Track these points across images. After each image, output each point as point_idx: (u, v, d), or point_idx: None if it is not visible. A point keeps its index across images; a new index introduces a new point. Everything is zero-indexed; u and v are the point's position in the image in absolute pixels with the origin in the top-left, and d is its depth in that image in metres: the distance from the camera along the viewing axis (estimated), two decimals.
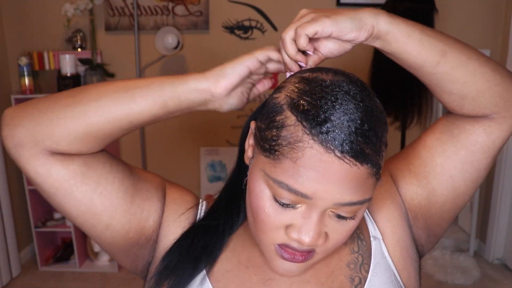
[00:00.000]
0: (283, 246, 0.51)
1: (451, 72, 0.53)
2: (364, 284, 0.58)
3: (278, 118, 0.48)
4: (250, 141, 0.55)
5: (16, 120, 0.52)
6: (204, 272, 0.58)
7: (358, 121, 0.45)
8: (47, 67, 2.63)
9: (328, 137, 0.44)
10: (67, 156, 0.53)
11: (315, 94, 0.47)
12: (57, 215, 2.73)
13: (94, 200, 0.55)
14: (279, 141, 0.47)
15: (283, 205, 0.48)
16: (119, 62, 2.71)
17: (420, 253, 0.66)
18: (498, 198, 2.67)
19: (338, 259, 0.59)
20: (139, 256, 0.61)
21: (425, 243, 0.66)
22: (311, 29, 0.51)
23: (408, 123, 2.22)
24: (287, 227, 0.49)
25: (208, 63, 2.85)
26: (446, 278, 2.55)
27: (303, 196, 0.46)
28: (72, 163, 0.53)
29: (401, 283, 0.60)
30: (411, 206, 0.63)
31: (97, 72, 2.55)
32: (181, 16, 2.64)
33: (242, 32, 2.68)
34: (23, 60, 2.46)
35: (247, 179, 0.54)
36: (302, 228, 0.48)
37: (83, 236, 2.73)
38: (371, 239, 0.61)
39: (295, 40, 0.54)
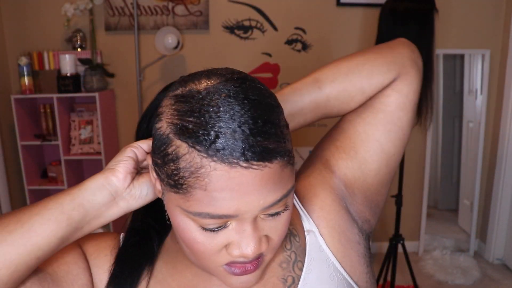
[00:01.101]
0: (231, 264, 0.48)
1: (340, 93, 0.62)
2: (297, 284, 0.55)
3: (169, 150, 0.44)
4: (153, 175, 0.50)
5: None
6: None
7: (250, 121, 0.42)
8: (47, 67, 2.63)
9: (226, 152, 0.41)
10: None
11: (196, 111, 0.43)
12: None
13: None
14: (181, 174, 0.43)
15: (213, 230, 0.46)
16: (119, 62, 2.70)
17: (366, 231, 0.64)
18: (498, 198, 2.67)
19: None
20: None
21: (370, 216, 0.64)
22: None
23: None
24: (226, 246, 0.47)
25: (208, 63, 2.86)
26: (446, 278, 2.55)
27: (228, 217, 0.44)
28: None
29: (344, 274, 0.57)
30: (346, 181, 0.62)
31: (97, 72, 2.55)
32: (181, 16, 2.64)
33: (242, 32, 2.68)
34: (23, 60, 2.46)
35: (167, 214, 0.50)
36: (240, 243, 0.46)
37: None
38: (305, 233, 0.59)
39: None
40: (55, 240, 0.47)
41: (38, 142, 2.56)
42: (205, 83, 0.45)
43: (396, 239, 2.32)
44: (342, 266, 0.57)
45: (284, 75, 2.73)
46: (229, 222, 0.46)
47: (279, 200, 0.45)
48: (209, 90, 0.44)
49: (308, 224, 0.59)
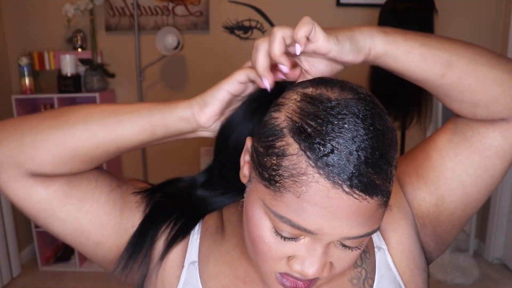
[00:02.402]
0: (284, 275, 0.47)
1: (459, 82, 0.50)
2: None
3: (278, 144, 0.43)
4: (245, 158, 0.51)
5: None
6: (200, 286, 0.56)
7: (369, 150, 0.40)
8: (47, 67, 2.64)
9: (335, 170, 0.39)
10: (49, 177, 0.51)
11: (320, 118, 0.41)
12: None
13: (80, 219, 0.53)
14: (280, 171, 0.42)
15: (285, 238, 0.44)
16: (119, 62, 2.71)
17: (428, 260, 0.62)
18: (498, 198, 2.67)
19: (340, 275, 0.54)
20: (133, 271, 0.57)
21: (433, 250, 0.61)
22: (318, 30, 0.46)
23: (408, 123, 2.22)
24: (289, 258, 0.46)
25: (208, 63, 2.86)
26: (446, 277, 2.55)
27: (307, 232, 0.42)
28: (54, 184, 0.51)
29: None
30: (419, 212, 0.58)
31: (97, 72, 2.56)
32: (181, 16, 2.64)
33: (242, 32, 2.68)
34: (24, 60, 2.46)
35: (243, 201, 0.50)
36: (305, 260, 0.44)
37: None
38: (375, 249, 0.57)
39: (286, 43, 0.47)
40: (135, 140, 0.52)
41: None
42: (337, 94, 0.43)
43: None
44: None
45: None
46: (303, 237, 0.44)
47: (361, 237, 0.43)
48: (340, 102, 0.42)
49: (378, 240, 0.58)
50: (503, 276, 2.59)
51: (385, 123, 0.43)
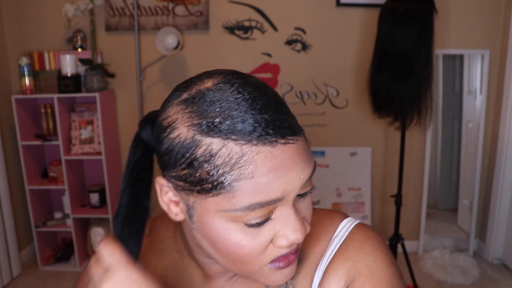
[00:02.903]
0: (274, 260, 0.47)
1: None
2: None
3: (199, 152, 0.42)
4: (165, 198, 0.48)
5: None
6: None
7: (269, 105, 0.43)
8: (47, 67, 2.64)
9: (262, 132, 0.41)
10: None
11: (216, 105, 0.43)
12: (57, 215, 2.73)
13: None
14: (220, 171, 0.41)
15: (259, 224, 0.44)
16: (119, 62, 2.71)
17: None
18: (498, 198, 2.67)
19: None
20: None
21: None
22: None
23: (408, 123, 2.22)
24: (272, 241, 0.46)
25: (208, 63, 2.86)
26: (446, 277, 2.55)
27: (276, 202, 0.43)
28: None
29: None
30: None
31: (97, 72, 2.56)
32: (181, 16, 2.64)
33: (242, 32, 2.68)
34: (24, 60, 2.46)
35: (194, 232, 0.48)
36: (286, 231, 0.45)
37: (83, 236, 2.73)
38: None
39: None
40: None
41: (38, 142, 2.56)
42: (210, 81, 0.45)
43: (396, 239, 2.33)
44: None
45: (284, 75, 2.73)
46: (272, 214, 0.44)
47: (311, 174, 0.45)
48: (218, 86, 0.44)
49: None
50: (503, 276, 2.59)
51: (258, 80, 0.47)
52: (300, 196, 0.46)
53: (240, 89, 0.43)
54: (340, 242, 0.55)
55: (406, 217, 2.73)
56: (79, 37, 2.65)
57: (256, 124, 0.41)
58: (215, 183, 0.42)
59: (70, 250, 2.75)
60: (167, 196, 0.48)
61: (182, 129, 0.44)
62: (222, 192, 0.42)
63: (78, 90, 2.54)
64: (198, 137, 0.42)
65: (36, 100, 2.68)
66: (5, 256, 2.50)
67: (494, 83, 2.71)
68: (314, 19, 2.67)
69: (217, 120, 0.42)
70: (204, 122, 0.42)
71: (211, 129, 0.42)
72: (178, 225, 0.58)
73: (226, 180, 0.42)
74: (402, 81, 2.10)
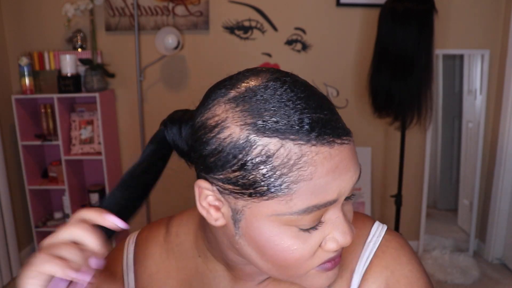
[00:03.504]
0: (321, 264, 0.46)
1: None
2: None
3: (254, 153, 0.40)
4: (204, 203, 0.46)
5: None
6: None
7: (321, 105, 0.42)
8: (47, 67, 2.64)
9: (321, 132, 0.40)
10: None
11: (271, 104, 0.41)
12: (57, 215, 2.73)
13: None
14: (278, 172, 0.40)
15: (310, 229, 0.43)
16: (119, 62, 2.71)
17: None
18: (498, 198, 2.67)
19: None
20: None
21: None
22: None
23: (408, 123, 2.23)
24: (321, 245, 0.44)
25: (208, 63, 2.86)
26: (446, 277, 2.55)
27: (332, 203, 0.42)
28: None
29: None
30: None
31: (97, 72, 2.56)
32: (181, 16, 2.64)
33: (242, 32, 2.68)
34: (24, 60, 2.46)
35: (237, 237, 0.46)
36: (336, 234, 0.44)
37: None
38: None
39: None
40: None
41: (38, 142, 2.56)
42: (259, 79, 0.43)
43: None
44: None
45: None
46: (322, 218, 0.43)
47: (359, 176, 0.45)
48: (268, 84, 0.42)
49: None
50: (503, 276, 2.59)
51: (304, 80, 0.45)
52: (346, 198, 0.45)
53: (292, 87, 0.42)
54: (375, 248, 0.55)
55: (406, 217, 2.73)
56: (79, 37, 2.65)
57: (314, 124, 0.40)
58: (272, 185, 0.40)
59: None
60: (206, 201, 0.46)
61: (234, 129, 0.41)
62: (279, 195, 0.40)
63: (78, 90, 2.54)
64: (253, 137, 0.40)
65: (36, 100, 2.68)
66: (5, 256, 2.51)
67: (494, 83, 2.71)
68: (314, 19, 2.67)
69: (274, 119, 0.40)
70: (260, 121, 0.40)
71: (268, 129, 0.40)
72: (200, 228, 0.56)
73: (284, 182, 0.40)
74: (402, 81, 2.10)
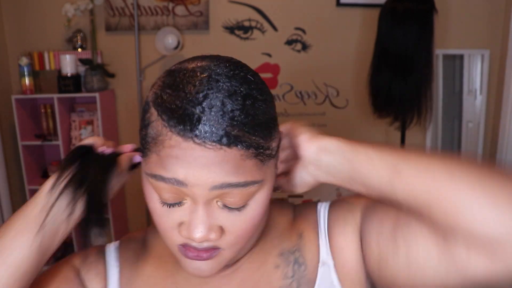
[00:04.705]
0: (185, 246, 0.49)
1: (409, 196, 0.45)
2: None
3: (146, 116, 0.48)
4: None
5: None
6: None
7: (218, 104, 0.43)
8: (47, 67, 2.63)
9: (185, 127, 0.43)
10: None
11: (175, 84, 0.46)
12: None
13: None
14: (147, 138, 0.47)
15: (170, 205, 0.48)
16: (119, 62, 2.71)
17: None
18: None
19: (267, 283, 0.56)
20: None
21: (376, 281, 0.55)
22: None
23: (408, 123, 2.22)
24: (179, 225, 0.49)
25: None
26: None
27: (178, 183, 0.45)
28: None
29: None
30: (368, 249, 0.54)
31: (97, 72, 2.56)
32: (181, 16, 2.64)
33: (242, 32, 2.68)
34: (24, 60, 2.46)
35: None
36: (190, 224, 0.47)
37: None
38: (319, 264, 0.56)
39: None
40: (31, 252, 0.47)
41: (38, 142, 2.56)
42: (196, 63, 0.48)
43: None
44: None
45: (284, 75, 2.73)
46: (185, 200, 0.47)
47: (232, 185, 0.45)
48: (195, 69, 0.47)
49: (326, 255, 0.56)
50: None
51: (245, 81, 0.46)
52: (228, 207, 0.47)
53: (207, 79, 0.45)
54: (326, 211, 0.60)
55: None
56: (79, 37, 2.64)
57: (186, 118, 0.43)
58: (143, 146, 0.48)
59: (70, 251, 2.75)
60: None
61: (151, 92, 0.50)
62: (144, 156, 0.49)
63: (78, 90, 2.54)
64: (150, 104, 0.48)
65: (36, 100, 2.68)
66: None
67: (494, 83, 2.71)
68: (314, 19, 2.66)
69: (165, 97, 0.46)
70: (159, 94, 0.47)
71: (157, 102, 0.46)
72: None
73: (147, 147, 0.47)
74: (402, 81, 2.09)
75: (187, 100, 0.44)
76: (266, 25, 2.67)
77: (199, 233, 0.46)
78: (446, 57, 2.99)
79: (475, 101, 2.92)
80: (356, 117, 2.72)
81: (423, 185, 0.43)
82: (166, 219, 0.49)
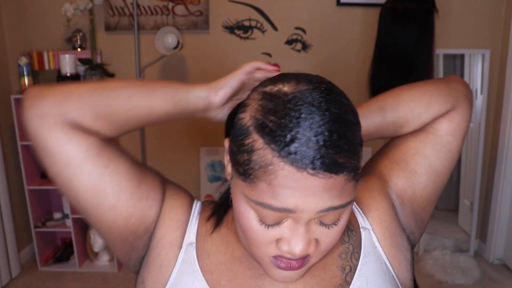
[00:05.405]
0: (277, 257, 0.52)
1: (400, 116, 0.68)
2: (354, 272, 0.60)
3: (246, 141, 0.48)
4: (227, 158, 0.56)
5: (44, 93, 0.56)
6: (197, 264, 0.60)
7: (326, 133, 0.45)
8: (47, 67, 2.63)
9: (297, 157, 0.44)
10: (87, 131, 0.56)
11: (279, 112, 0.47)
12: (57, 215, 2.72)
13: (104, 177, 0.56)
14: (251, 165, 0.47)
15: (269, 226, 0.50)
16: (119, 62, 2.70)
17: (411, 242, 0.68)
18: (498, 198, 2.67)
19: (330, 251, 0.61)
20: (134, 247, 0.61)
21: (415, 229, 0.68)
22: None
23: None
24: (277, 241, 0.51)
25: (208, 63, 2.85)
26: (446, 278, 2.55)
27: (287, 211, 0.47)
28: (90, 137, 0.56)
29: (392, 272, 0.62)
30: (398, 191, 0.67)
31: (97, 72, 2.55)
32: (181, 16, 2.64)
33: (242, 32, 2.68)
34: (23, 60, 2.46)
35: (231, 196, 0.56)
36: (291, 240, 0.50)
37: (83, 236, 2.72)
38: (361, 230, 0.63)
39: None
40: (163, 109, 0.59)
41: None
42: (293, 87, 0.49)
43: None
44: (391, 266, 0.63)
45: None
46: (284, 220, 0.50)
47: (336, 208, 0.48)
48: (295, 95, 0.48)
49: (363, 221, 0.64)
50: (504, 277, 2.59)
51: (342, 106, 0.48)
52: (324, 224, 0.51)
53: (310, 107, 0.46)
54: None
55: None
56: (78, 37, 2.64)
57: (297, 146, 0.45)
58: (244, 171, 0.49)
59: (70, 251, 2.74)
60: (227, 156, 0.55)
61: (247, 115, 0.50)
62: (246, 181, 0.49)
63: None
64: (251, 129, 0.49)
65: None
66: (4, 257, 2.50)
67: (495, 83, 2.70)
68: (314, 19, 2.66)
69: (270, 125, 0.46)
70: (262, 120, 0.48)
71: (262, 129, 0.47)
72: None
73: (252, 174, 0.48)
74: (403, 81, 2.08)
75: (295, 130, 0.45)
76: (266, 24, 2.67)
77: (300, 248, 0.49)
78: (446, 56, 2.98)
79: (475, 101, 2.92)
80: None
81: (402, 113, 0.68)
82: (263, 236, 0.51)
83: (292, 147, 0.45)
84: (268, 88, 0.51)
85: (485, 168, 2.80)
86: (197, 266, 0.60)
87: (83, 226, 2.76)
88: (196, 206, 0.66)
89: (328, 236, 0.52)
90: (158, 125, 0.61)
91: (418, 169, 0.66)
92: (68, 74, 2.48)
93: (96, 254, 2.70)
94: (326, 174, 0.45)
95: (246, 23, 2.67)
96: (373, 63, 2.23)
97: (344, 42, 2.68)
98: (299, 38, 2.68)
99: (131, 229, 0.60)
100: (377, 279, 0.60)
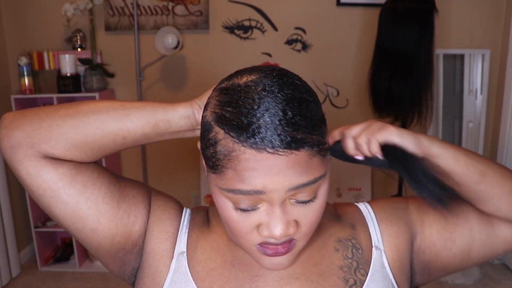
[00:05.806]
0: (263, 244, 0.54)
1: (490, 190, 0.60)
2: (361, 286, 0.60)
3: (210, 135, 0.51)
4: (202, 160, 0.57)
5: (15, 123, 0.55)
6: (188, 273, 0.61)
7: (280, 113, 0.47)
8: (47, 67, 2.63)
9: (256, 139, 0.47)
10: (58, 160, 0.56)
11: (233, 102, 0.49)
12: None
13: (80, 204, 0.57)
14: (217, 156, 0.50)
15: (245, 210, 0.52)
16: (119, 62, 2.70)
17: (411, 278, 0.68)
18: None
19: (329, 261, 0.62)
20: (126, 262, 0.62)
21: (417, 276, 0.68)
22: (381, 137, 0.55)
23: (408, 123, 2.22)
24: (258, 227, 0.53)
25: (208, 63, 2.85)
26: (446, 278, 2.55)
27: (257, 193, 0.49)
28: (62, 167, 0.56)
29: None
30: (426, 240, 0.65)
31: (97, 72, 2.55)
32: (181, 16, 2.64)
33: (242, 32, 2.68)
34: (23, 60, 2.46)
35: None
36: (269, 224, 0.51)
37: None
38: (373, 248, 0.64)
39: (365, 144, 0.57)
40: (140, 132, 0.58)
41: None
42: (246, 78, 0.51)
43: None
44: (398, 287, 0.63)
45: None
46: (260, 205, 0.51)
47: (305, 185, 0.50)
48: (248, 84, 0.50)
49: (377, 240, 0.65)
50: (504, 277, 2.59)
51: (295, 87, 0.50)
52: (300, 202, 0.52)
53: (262, 91, 0.49)
54: (370, 208, 0.69)
55: None
56: (78, 37, 2.64)
57: (254, 129, 0.47)
58: (213, 164, 0.51)
59: (70, 251, 2.74)
60: (202, 158, 0.56)
61: (208, 112, 0.52)
62: (216, 173, 0.51)
63: (78, 90, 2.53)
64: (213, 123, 0.51)
65: (36, 100, 2.67)
66: (4, 257, 2.50)
67: (495, 83, 2.70)
68: (314, 19, 2.66)
69: (228, 115, 0.49)
70: (220, 113, 0.50)
71: (221, 121, 0.49)
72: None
73: (219, 164, 0.50)
74: (403, 81, 2.09)
75: (250, 115, 0.47)
76: (266, 24, 2.67)
77: (279, 230, 0.51)
78: (446, 56, 2.98)
79: (475, 101, 2.92)
80: (356, 117, 2.72)
81: (499, 187, 0.61)
82: (243, 224, 0.53)
83: (250, 131, 0.47)
84: (224, 84, 0.53)
85: None
86: (189, 274, 0.61)
87: None
88: (186, 215, 0.67)
89: (307, 215, 0.53)
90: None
91: (458, 243, 0.64)
92: (68, 74, 2.48)
93: None
94: (286, 151, 0.47)
95: (246, 23, 2.67)
96: (373, 63, 2.23)
97: (344, 42, 2.68)
98: (299, 38, 2.68)
99: (118, 247, 0.61)
100: None
